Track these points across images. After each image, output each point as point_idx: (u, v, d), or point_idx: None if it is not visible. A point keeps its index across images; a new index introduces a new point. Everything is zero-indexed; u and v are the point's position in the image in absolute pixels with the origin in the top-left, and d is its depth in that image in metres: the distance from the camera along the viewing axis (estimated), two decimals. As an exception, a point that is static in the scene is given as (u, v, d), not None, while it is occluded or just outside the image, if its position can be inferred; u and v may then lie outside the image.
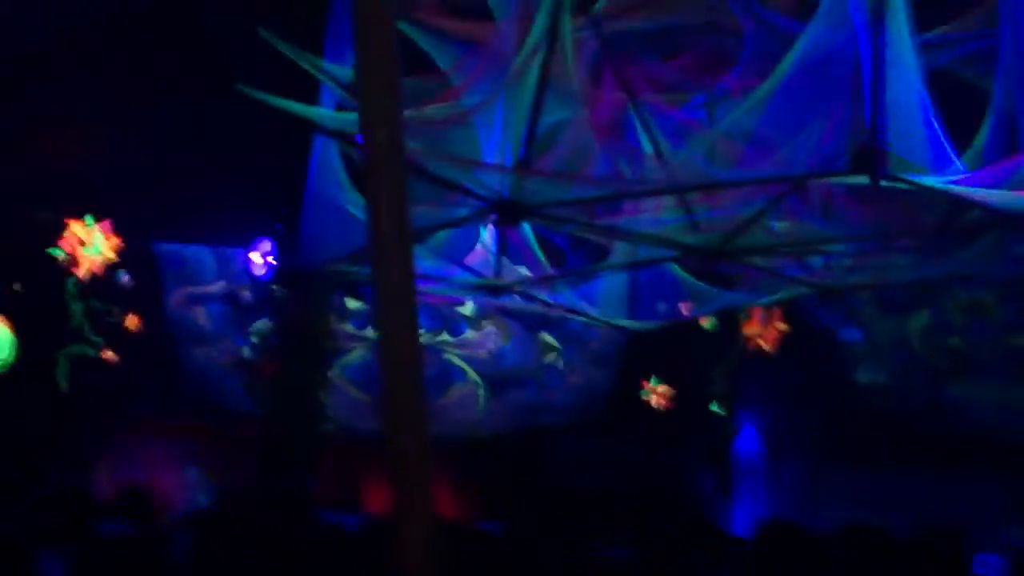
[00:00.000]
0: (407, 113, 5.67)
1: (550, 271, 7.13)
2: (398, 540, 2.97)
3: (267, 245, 9.43)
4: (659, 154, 5.93)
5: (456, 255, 6.83)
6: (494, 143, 5.94)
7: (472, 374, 10.08)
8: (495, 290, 7.18)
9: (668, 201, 6.09)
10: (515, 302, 7.95)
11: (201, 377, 10.39)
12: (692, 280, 7.39)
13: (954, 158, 5.29)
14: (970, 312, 9.46)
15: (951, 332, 9.57)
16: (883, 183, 4.97)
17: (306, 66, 5.62)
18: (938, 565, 4.15)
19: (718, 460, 10.36)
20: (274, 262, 9.46)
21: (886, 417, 9.85)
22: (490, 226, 6.73)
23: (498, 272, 6.99)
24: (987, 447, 9.26)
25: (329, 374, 9.23)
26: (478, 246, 6.92)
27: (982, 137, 5.56)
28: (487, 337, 10.05)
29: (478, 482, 9.86)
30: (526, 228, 6.86)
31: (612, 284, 7.43)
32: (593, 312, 7.72)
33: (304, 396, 9.04)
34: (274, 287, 9.79)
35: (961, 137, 5.53)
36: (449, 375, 10.14)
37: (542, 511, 7.92)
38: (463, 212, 6.03)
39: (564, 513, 7.61)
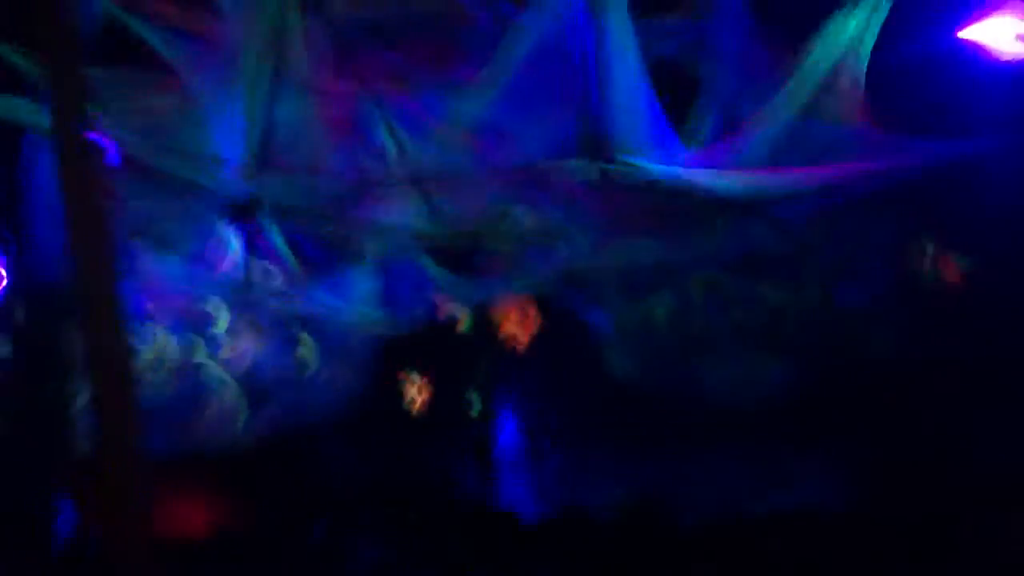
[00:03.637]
0: (129, 106, 5.45)
1: (299, 271, 6.97)
2: (109, 555, 2.81)
3: (-3, 259, 8.76)
4: (398, 147, 5.91)
5: (197, 255, 6.57)
6: (230, 140, 5.75)
7: (231, 385, 9.70)
8: (242, 292, 6.95)
9: (411, 194, 6.08)
10: (268, 305, 7.74)
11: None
12: (443, 273, 7.43)
13: (676, 142, 5.59)
14: (707, 291, 10.00)
15: (691, 312, 10.08)
16: (609, 170, 5.18)
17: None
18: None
19: (480, 454, 10.47)
20: (3, 274, 8.77)
21: (638, 400, 10.26)
22: (237, 229, 6.52)
23: (247, 275, 6.78)
24: (728, 419, 9.82)
25: (79, 392, 8.64)
26: (221, 246, 6.67)
27: (702, 121, 5.87)
28: (244, 347, 9.68)
29: (240, 493, 9.52)
30: (272, 229, 6.69)
31: (364, 281, 7.36)
32: (346, 310, 7.62)
33: (50, 417, 8.42)
34: (10, 304, 9.07)
35: (683, 121, 5.83)
36: (207, 390, 9.71)
37: (303, 515, 7.75)
38: (198, 211, 5.79)
39: (324, 515, 7.46)
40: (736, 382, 9.98)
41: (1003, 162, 7.82)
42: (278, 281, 7.03)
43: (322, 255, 7.13)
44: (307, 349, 9.93)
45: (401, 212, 6.09)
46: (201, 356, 9.82)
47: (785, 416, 9.83)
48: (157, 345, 9.69)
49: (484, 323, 10.24)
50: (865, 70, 5.64)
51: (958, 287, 9.33)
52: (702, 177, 5.69)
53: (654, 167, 5.53)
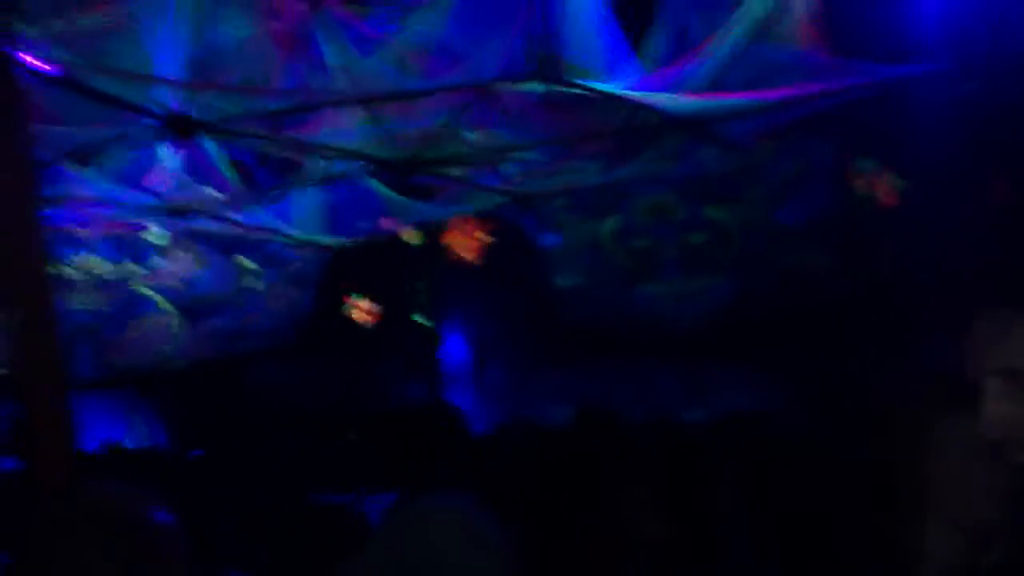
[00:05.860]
0: (61, 23, 5.15)
1: (241, 192, 6.77)
2: (32, 473, 2.76)
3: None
4: (346, 66, 5.71)
5: (132, 176, 6.32)
6: (167, 57, 5.49)
7: (164, 303, 9.48)
8: (179, 213, 6.73)
9: (358, 114, 5.91)
10: (205, 225, 7.52)
11: None
12: (391, 194, 7.29)
13: (629, 64, 5.49)
14: (653, 214, 10.03)
15: (638, 234, 10.12)
16: (561, 89, 5.07)
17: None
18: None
19: (425, 371, 10.48)
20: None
21: (584, 318, 10.32)
22: (174, 148, 6.27)
23: (182, 193, 6.55)
24: (667, 340, 9.97)
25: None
26: (157, 166, 6.43)
27: (655, 43, 5.77)
28: (179, 264, 9.43)
29: (180, 411, 9.42)
30: (210, 145, 6.45)
31: (308, 202, 7.18)
32: (289, 231, 7.45)
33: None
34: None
35: (640, 45, 5.73)
36: (138, 306, 9.50)
37: (247, 437, 7.69)
38: (133, 130, 5.55)
39: (269, 438, 7.42)
40: (679, 300, 10.09)
41: (938, 88, 8.00)
42: (218, 202, 6.81)
43: (265, 175, 6.93)
44: (246, 269, 9.72)
45: (347, 133, 5.91)
46: (132, 275, 9.57)
47: (724, 332, 10.00)
48: (84, 263, 9.40)
49: (431, 239, 10.14)
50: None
51: (893, 207, 9.50)
52: (653, 99, 5.62)
53: (606, 88, 5.43)
